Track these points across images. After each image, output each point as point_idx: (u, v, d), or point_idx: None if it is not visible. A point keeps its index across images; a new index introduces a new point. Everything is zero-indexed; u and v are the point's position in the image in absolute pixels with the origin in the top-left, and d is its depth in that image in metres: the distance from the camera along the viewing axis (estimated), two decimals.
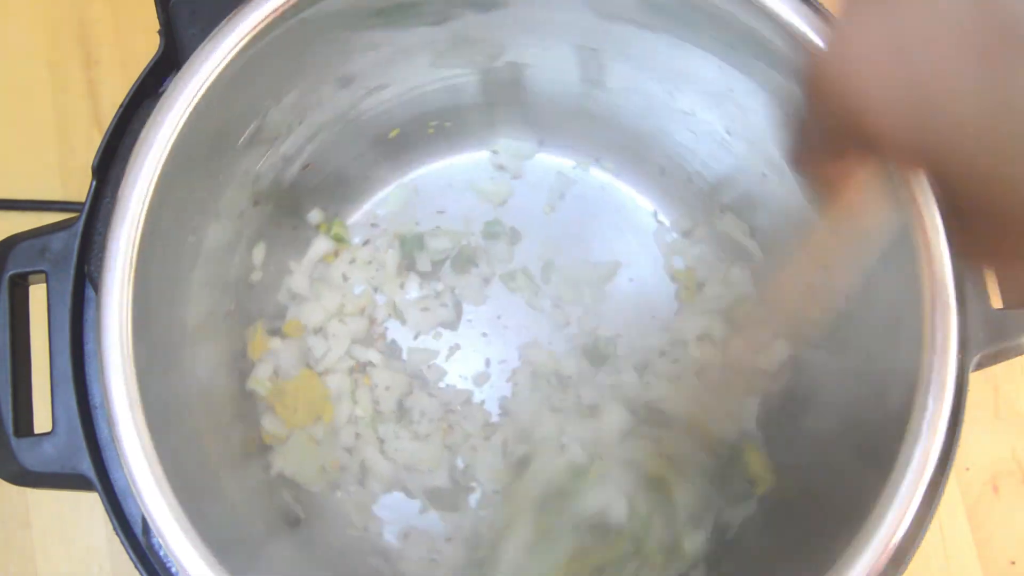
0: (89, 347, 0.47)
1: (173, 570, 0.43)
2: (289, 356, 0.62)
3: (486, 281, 0.66)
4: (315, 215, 0.65)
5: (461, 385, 0.64)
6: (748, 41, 0.47)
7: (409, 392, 0.64)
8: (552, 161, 0.68)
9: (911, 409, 0.43)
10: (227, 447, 0.55)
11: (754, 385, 0.54)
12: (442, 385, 0.64)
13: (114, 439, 0.41)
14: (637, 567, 0.57)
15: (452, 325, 0.65)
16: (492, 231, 0.66)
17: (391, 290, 0.65)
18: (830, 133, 0.29)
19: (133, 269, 0.42)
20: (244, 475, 0.56)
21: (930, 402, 0.42)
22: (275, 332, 0.63)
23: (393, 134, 0.64)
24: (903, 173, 0.37)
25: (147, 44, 0.49)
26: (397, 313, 0.65)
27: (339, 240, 0.65)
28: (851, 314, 0.54)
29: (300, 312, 0.63)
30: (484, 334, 0.65)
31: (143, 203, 0.43)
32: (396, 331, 0.65)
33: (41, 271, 0.47)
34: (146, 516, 0.41)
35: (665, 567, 0.57)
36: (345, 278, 0.65)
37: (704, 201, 0.64)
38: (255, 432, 0.60)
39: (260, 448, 0.60)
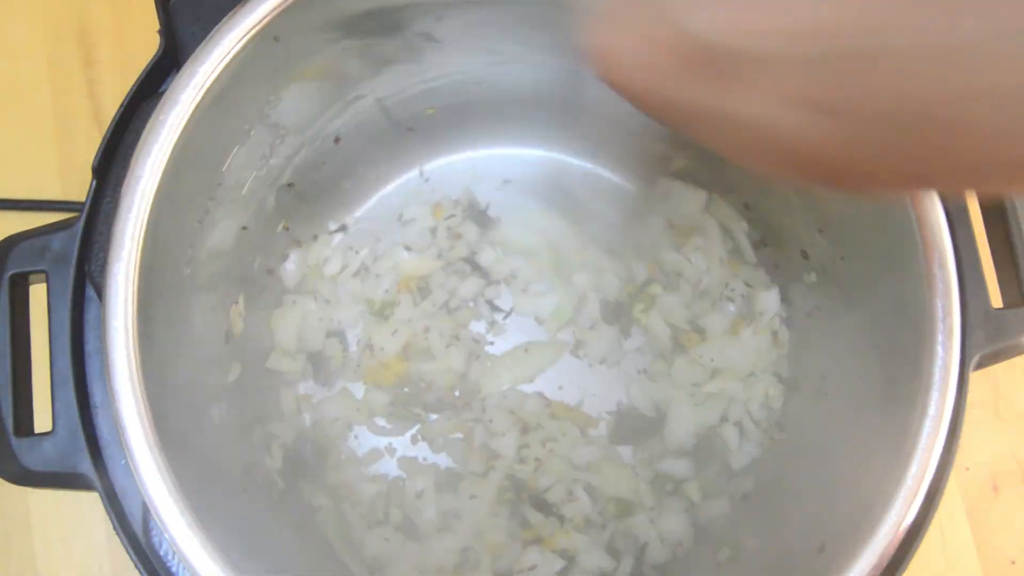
0: (89, 347, 0.47)
1: (173, 569, 0.43)
2: None
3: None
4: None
5: None
6: None
7: None
8: None
9: (912, 409, 0.43)
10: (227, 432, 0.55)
11: None
12: None
13: (120, 434, 0.41)
14: None
15: None
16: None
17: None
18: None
19: (136, 269, 0.42)
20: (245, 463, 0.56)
21: (931, 402, 0.42)
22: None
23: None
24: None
25: (147, 44, 0.49)
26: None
27: None
28: (852, 316, 0.54)
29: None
30: None
31: (145, 203, 0.43)
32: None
33: (41, 271, 0.47)
34: (150, 507, 0.41)
35: None
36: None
37: None
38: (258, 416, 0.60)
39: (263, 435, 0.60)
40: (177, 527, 0.41)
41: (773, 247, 0.63)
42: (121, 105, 0.48)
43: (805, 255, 0.59)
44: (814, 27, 0.25)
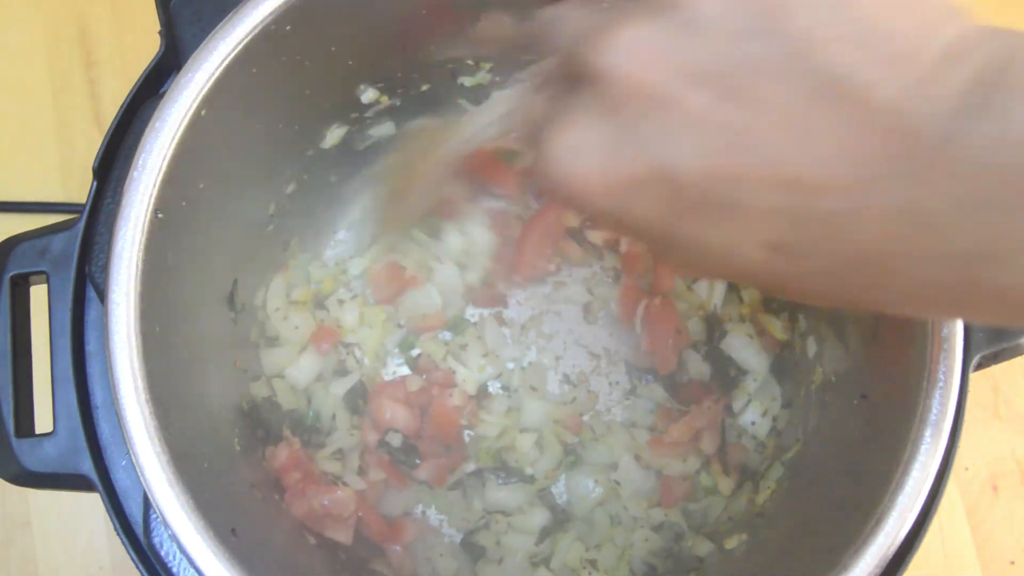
0: (90, 347, 0.47)
1: (174, 569, 0.43)
2: None
3: None
4: None
5: None
6: None
7: None
8: None
9: (913, 409, 0.43)
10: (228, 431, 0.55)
11: None
12: None
13: (121, 426, 0.41)
14: None
15: None
16: None
17: None
18: None
19: (138, 270, 0.42)
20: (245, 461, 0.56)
21: (932, 402, 0.42)
22: None
23: None
24: None
25: (147, 44, 0.49)
26: None
27: None
28: (850, 317, 0.54)
29: None
30: None
31: (146, 203, 0.43)
32: None
33: (42, 272, 0.47)
34: (151, 499, 0.41)
35: None
36: None
37: None
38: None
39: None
40: (178, 521, 0.41)
41: None
42: (121, 106, 0.48)
43: None
44: (794, 181, 0.28)
